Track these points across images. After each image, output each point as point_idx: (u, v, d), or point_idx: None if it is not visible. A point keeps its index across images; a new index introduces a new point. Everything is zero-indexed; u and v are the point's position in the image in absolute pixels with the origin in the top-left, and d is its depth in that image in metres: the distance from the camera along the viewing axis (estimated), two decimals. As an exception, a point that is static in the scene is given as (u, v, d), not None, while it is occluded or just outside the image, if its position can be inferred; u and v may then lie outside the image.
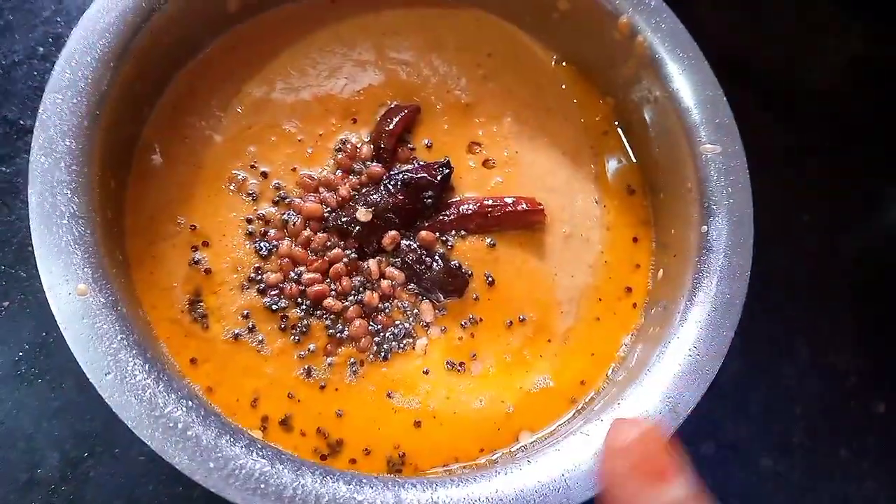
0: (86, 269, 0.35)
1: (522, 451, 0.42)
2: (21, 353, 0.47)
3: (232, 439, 0.34)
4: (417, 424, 0.43)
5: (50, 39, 0.54)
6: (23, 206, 0.50)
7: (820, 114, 0.65)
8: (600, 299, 0.47)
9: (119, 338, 0.34)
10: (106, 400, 0.33)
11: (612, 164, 0.51)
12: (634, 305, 0.47)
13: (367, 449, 0.42)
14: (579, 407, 0.44)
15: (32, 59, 0.54)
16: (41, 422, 0.46)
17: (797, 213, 0.62)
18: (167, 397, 0.34)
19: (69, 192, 0.36)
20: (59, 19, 0.55)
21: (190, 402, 0.34)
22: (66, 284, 0.35)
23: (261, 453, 0.34)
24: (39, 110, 0.37)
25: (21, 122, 0.52)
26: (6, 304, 0.48)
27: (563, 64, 0.52)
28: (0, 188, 0.51)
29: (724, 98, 0.46)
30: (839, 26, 0.69)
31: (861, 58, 0.68)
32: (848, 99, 0.67)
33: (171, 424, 0.34)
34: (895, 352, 0.59)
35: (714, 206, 0.43)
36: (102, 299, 0.35)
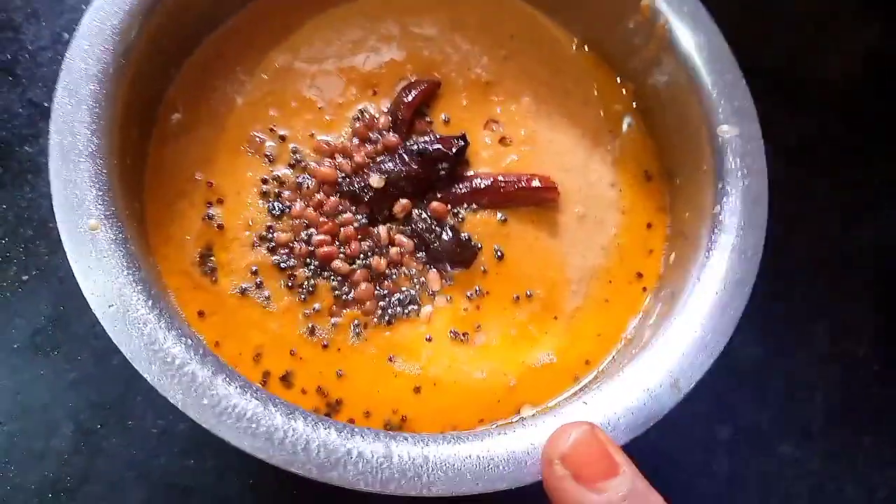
0: (99, 206, 0.36)
1: (521, 423, 0.42)
2: (38, 326, 0.49)
3: (227, 379, 0.34)
4: (417, 390, 0.42)
5: (75, 26, 0.55)
6: (45, 185, 0.52)
7: (833, 103, 0.64)
8: (610, 281, 0.47)
9: (125, 273, 0.35)
10: (107, 331, 0.34)
11: (629, 149, 0.50)
12: (644, 289, 0.47)
13: (366, 411, 0.42)
14: (582, 385, 0.44)
15: (57, 44, 0.56)
16: (56, 393, 0.47)
17: (815, 200, 0.61)
18: (167, 333, 0.34)
19: (89, 132, 0.37)
20: (84, 6, 0.56)
21: (189, 340, 0.35)
22: (79, 219, 0.36)
23: (255, 395, 0.34)
24: (66, 55, 0.39)
25: (45, 104, 0.54)
26: (25, 277, 0.50)
27: (584, 48, 0.53)
28: (23, 167, 0.52)
29: (744, 81, 0.45)
30: (853, 17, 0.68)
31: (876, 49, 0.67)
32: (862, 90, 0.66)
33: (168, 360, 0.34)
34: None
35: (728, 187, 0.43)
36: (112, 235, 0.36)
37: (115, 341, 0.34)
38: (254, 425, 0.33)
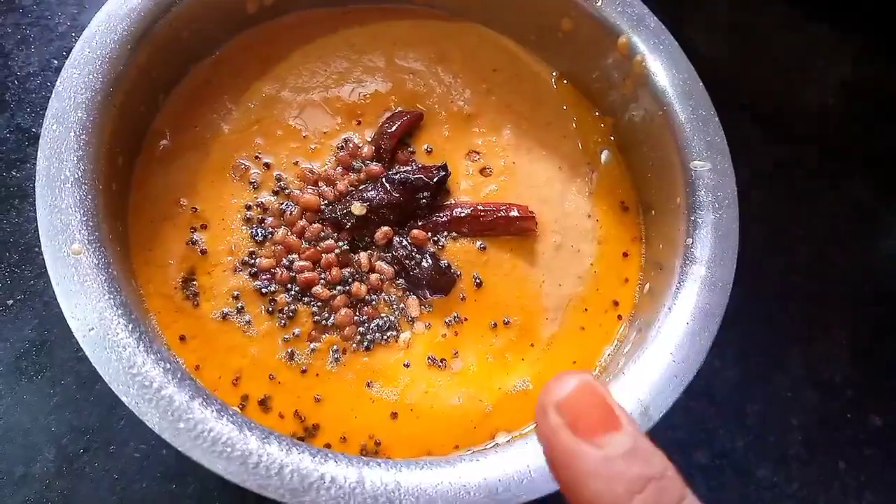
0: (82, 231, 0.37)
1: (496, 449, 0.42)
2: (22, 350, 0.49)
3: (204, 403, 0.35)
4: (394, 416, 0.43)
5: (64, 53, 0.58)
6: (31, 210, 0.52)
7: (811, 132, 0.66)
8: (586, 309, 0.48)
9: (106, 297, 0.36)
10: (87, 355, 0.35)
11: (607, 181, 0.52)
12: (619, 318, 0.48)
13: (343, 436, 0.42)
14: (556, 411, 0.44)
15: (47, 70, 0.57)
16: (39, 417, 0.48)
17: (791, 227, 0.62)
18: (146, 357, 0.35)
19: (76, 158, 0.38)
20: (74, 34, 0.58)
21: (168, 365, 0.36)
22: (63, 243, 0.36)
23: (231, 419, 0.35)
24: (56, 83, 0.40)
25: (33, 129, 0.55)
26: (10, 302, 0.50)
27: (565, 82, 0.54)
28: (10, 192, 0.53)
29: (717, 118, 0.47)
30: (829, 47, 0.70)
31: (850, 80, 0.69)
32: (838, 119, 0.68)
33: (146, 383, 0.35)
34: (890, 365, 0.59)
35: (700, 221, 0.44)
36: (95, 260, 0.36)
37: (94, 364, 0.34)
38: (228, 449, 0.34)
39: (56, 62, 0.57)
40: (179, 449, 0.34)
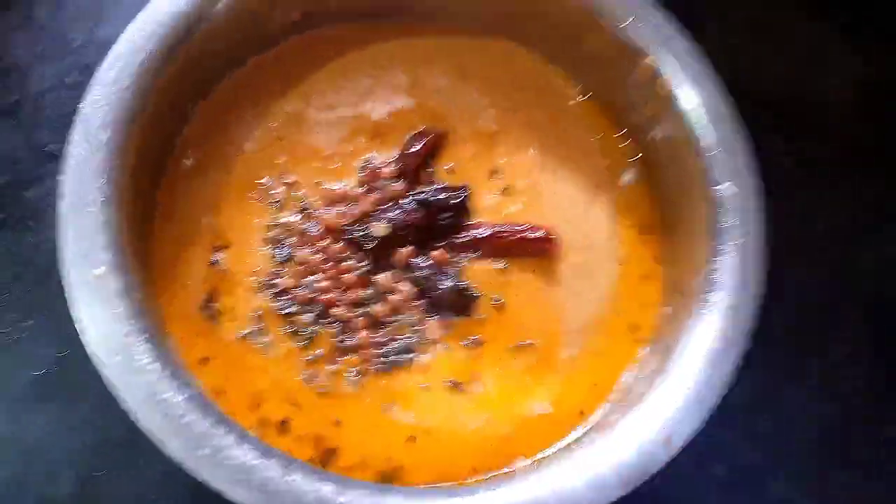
0: (107, 255, 0.37)
1: (515, 474, 0.42)
2: (42, 371, 0.49)
3: (226, 430, 0.35)
4: (412, 440, 0.43)
5: (80, 69, 0.57)
6: (48, 229, 0.51)
7: (828, 134, 0.65)
8: (606, 332, 0.48)
9: (130, 322, 0.36)
10: (111, 381, 0.35)
11: (629, 202, 0.51)
12: (639, 341, 0.47)
13: (361, 460, 0.42)
14: (576, 437, 0.44)
15: (62, 87, 0.56)
16: (58, 438, 0.47)
17: (808, 231, 0.61)
18: (170, 383, 0.35)
19: (102, 181, 0.38)
20: (89, 49, 0.58)
21: (190, 392, 0.36)
22: (86, 267, 0.37)
23: (252, 446, 0.35)
24: (81, 103, 0.40)
25: (49, 147, 0.54)
26: (29, 322, 0.50)
27: (589, 101, 0.54)
28: (26, 212, 0.53)
29: (744, 140, 0.46)
30: (845, 49, 0.69)
31: (867, 80, 0.68)
32: (853, 119, 0.66)
33: (168, 410, 0.35)
34: None
35: (723, 247, 0.44)
36: (118, 285, 0.37)
37: (117, 393, 0.35)
38: (249, 477, 0.34)
39: (71, 78, 0.57)
40: (200, 478, 0.34)
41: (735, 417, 0.54)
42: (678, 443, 0.39)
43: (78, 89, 0.56)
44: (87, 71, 0.57)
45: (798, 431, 0.55)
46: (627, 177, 0.52)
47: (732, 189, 0.45)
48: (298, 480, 0.35)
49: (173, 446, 0.34)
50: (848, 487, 0.55)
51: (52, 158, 0.54)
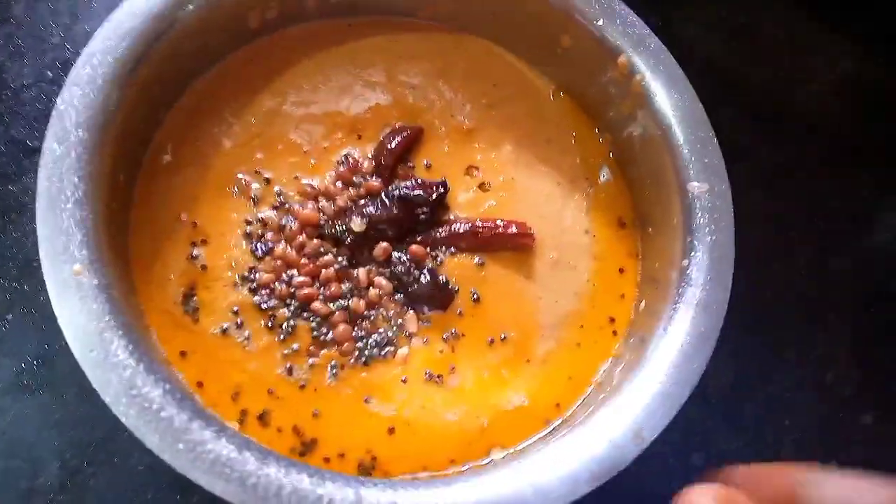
0: (83, 251, 0.37)
1: (492, 465, 0.43)
2: (23, 365, 0.49)
3: (203, 423, 0.35)
4: (391, 431, 0.44)
5: (58, 64, 0.57)
6: (28, 223, 0.52)
7: (809, 132, 0.66)
8: (582, 326, 0.48)
9: (107, 318, 0.36)
10: (88, 376, 0.35)
11: (604, 197, 0.52)
12: (615, 334, 0.48)
13: (340, 452, 0.43)
14: (552, 428, 0.45)
15: (41, 82, 0.56)
16: (42, 432, 0.47)
17: (788, 228, 0.62)
18: (146, 378, 0.36)
19: (77, 178, 0.38)
20: (67, 45, 0.57)
21: (168, 385, 0.36)
22: (63, 264, 0.37)
23: (230, 440, 0.36)
24: (57, 101, 0.40)
25: (28, 142, 0.54)
26: (9, 317, 0.50)
27: (565, 99, 0.54)
28: (6, 205, 0.52)
29: (715, 140, 0.47)
30: (828, 46, 0.70)
31: (849, 77, 0.69)
32: (837, 118, 0.67)
33: (146, 404, 0.35)
34: (886, 364, 0.59)
35: (696, 242, 0.45)
36: (96, 281, 0.37)
37: (94, 386, 0.35)
38: (227, 470, 0.35)
39: (50, 74, 0.56)
40: (179, 470, 0.34)
41: (715, 408, 0.56)
42: (649, 437, 0.40)
43: (57, 85, 0.57)
44: (66, 67, 0.57)
45: (779, 420, 0.56)
46: (603, 173, 0.53)
47: (704, 186, 0.46)
48: (275, 473, 0.35)
49: (152, 440, 0.34)
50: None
51: (33, 153, 0.54)
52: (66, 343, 0.36)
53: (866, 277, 0.63)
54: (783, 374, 0.58)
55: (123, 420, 0.35)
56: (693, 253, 0.44)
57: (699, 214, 0.45)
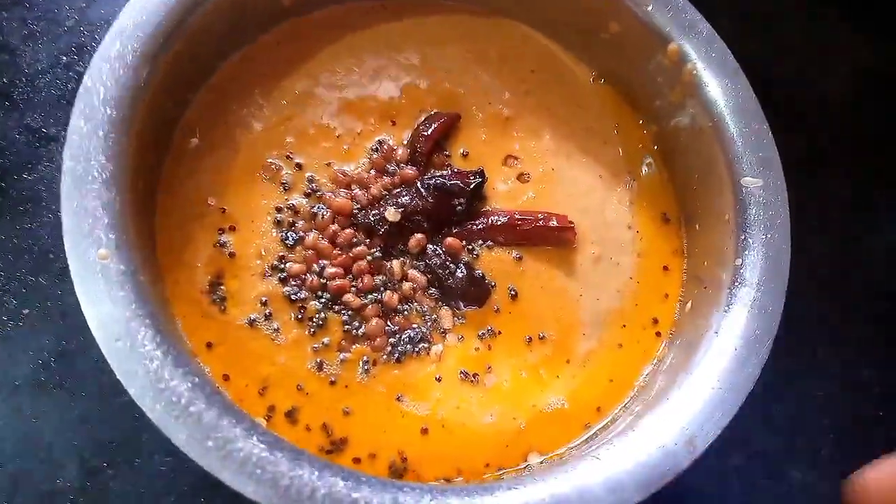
0: (110, 235, 0.35)
1: (528, 471, 0.41)
2: (41, 362, 0.47)
3: (234, 420, 0.34)
4: (424, 431, 0.42)
5: (73, 49, 0.55)
6: (45, 214, 0.50)
7: (831, 122, 0.64)
8: (624, 325, 0.46)
9: (133, 307, 0.34)
10: (112, 367, 0.33)
11: (648, 191, 0.50)
12: (659, 335, 0.46)
13: (371, 452, 0.41)
14: (592, 433, 0.43)
15: (56, 67, 0.54)
16: (61, 431, 0.46)
17: (819, 221, 0.60)
18: (174, 371, 0.34)
19: (104, 158, 0.37)
20: (82, 29, 0.56)
21: (196, 379, 0.34)
22: (88, 248, 0.35)
23: (261, 438, 0.34)
24: (85, 77, 0.38)
25: (44, 130, 0.52)
26: (26, 311, 0.48)
27: (607, 86, 0.52)
28: (22, 196, 0.51)
29: (770, 132, 0.45)
30: (848, 39, 0.68)
31: (870, 69, 0.67)
32: (858, 109, 0.66)
33: (174, 399, 0.33)
34: None
35: (751, 240, 0.42)
36: (122, 266, 0.35)
37: (119, 377, 0.33)
38: (258, 470, 0.33)
39: (65, 58, 0.54)
40: (208, 470, 0.32)
41: (751, 406, 0.53)
42: (701, 445, 0.37)
43: (72, 70, 0.55)
44: (81, 51, 0.55)
45: (814, 419, 0.54)
46: (647, 165, 0.50)
47: (759, 182, 0.43)
48: (309, 475, 0.33)
49: (180, 437, 0.32)
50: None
51: (49, 141, 0.52)
52: (84, 339, 0.34)
53: (893, 269, 0.60)
54: (819, 373, 0.56)
55: (150, 415, 0.33)
56: (747, 252, 0.42)
57: (753, 211, 0.43)
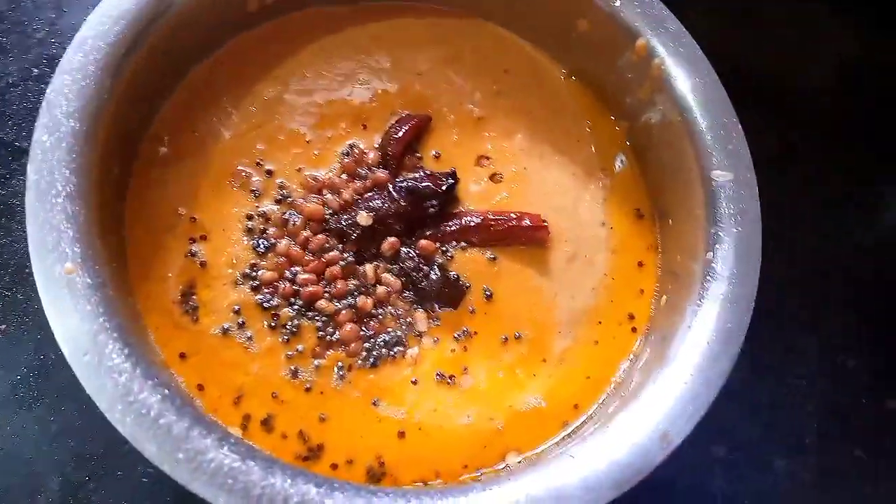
0: (75, 249, 0.35)
1: (507, 470, 0.41)
2: (19, 377, 0.47)
3: (204, 431, 0.33)
4: (401, 435, 0.42)
5: (45, 60, 0.55)
6: (19, 229, 0.50)
7: (812, 115, 0.65)
8: (600, 322, 0.46)
9: (101, 320, 0.34)
10: (81, 381, 0.33)
11: (621, 187, 0.50)
12: (634, 331, 0.46)
13: (349, 458, 0.41)
14: (570, 430, 0.43)
15: (27, 80, 0.54)
16: (41, 446, 0.45)
17: (798, 213, 0.60)
18: (143, 383, 0.34)
19: (68, 171, 0.36)
20: (53, 40, 0.55)
21: (166, 391, 0.34)
22: (54, 262, 0.35)
23: (232, 448, 0.33)
24: (47, 90, 0.38)
25: (17, 143, 0.52)
26: (3, 326, 0.48)
27: (579, 85, 0.52)
28: None
29: (739, 126, 0.45)
30: (831, 28, 0.69)
31: (852, 59, 0.68)
32: (840, 100, 0.66)
33: (143, 411, 0.33)
34: None
35: (721, 234, 0.42)
36: (89, 280, 0.35)
37: (89, 392, 0.33)
38: (230, 480, 0.32)
39: (36, 70, 0.54)
40: (178, 481, 0.32)
41: (733, 397, 0.53)
42: (675, 439, 0.37)
43: (44, 82, 0.54)
44: (52, 63, 0.54)
45: (798, 408, 0.55)
46: (619, 162, 0.50)
47: (728, 175, 0.43)
48: (281, 483, 0.33)
49: (150, 450, 0.32)
50: (848, 460, 0.54)
51: (22, 154, 0.52)
52: (62, 352, 0.33)
53: (875, 258, 0.61)
54: (801, 361, 0.57)
55: (119, 428, 0.33)
56: (717, 245, 0.42)
57: (723, 205, 0.43)
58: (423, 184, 0.46)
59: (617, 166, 0.50)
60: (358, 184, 0.46)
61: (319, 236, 0.44)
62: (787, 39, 0.68)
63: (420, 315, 0.44)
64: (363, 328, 0.43)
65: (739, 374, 0.54)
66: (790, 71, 0.66)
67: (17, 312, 0.48)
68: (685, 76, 0.46)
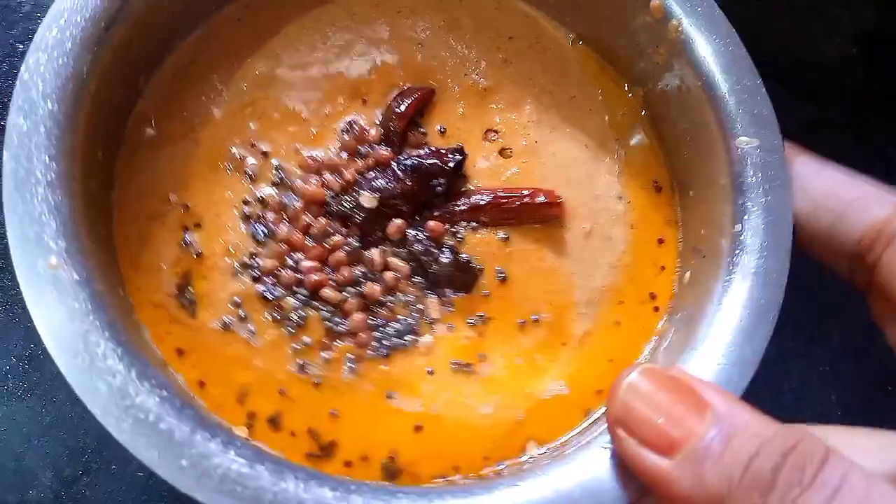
0: (59, 242, 0.32)
1: (530, 462, 0.39)
2: (8, 367, 0.45)
3: (208, 434, 0.31)
4: (418, 429, 0.39)
5: (30, 36, 0.51)
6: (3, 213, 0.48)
7: (830, 88, 0.63)
8: (621, 302, 0.44)
9: (90, 318, 0.31)
10: (72, 385, 0.30)
11: (638, 159, 0.47)
12: (657, 310, 0.44)
13: (363, 455, 0.38)
14: (594, 418, 0.41)
15: (13, 56, 0.52)
16: (32, 439, 0.44)
17: None
18: (139, 385, 0.31)
19: (47, 157, 0.33)
20: (39, 15, 0.53)
21: (165, 392, 0.31)
22: (37, 257, 0.32)
23: (239, 452, 0.31)
24: (21, 70, 0.35)
25: (2, 123, 0.49)
26: None
27: (589, 50, 0.49)
28: None
29: (763, 88, 0.42)
30: (839, 3, 0.66)
31: (872, 30, 0.66)
32: (860, 72, 0.64)
33: (141, 415, 0.30)
34: None
35: (749, 204, 0.40)
36: (76, 275, 0.32)
37: (81, 397, 0.30)
38: (238, 488, 0.30)
39: (22, 46, 0.52)
40: (184, 491, 0.30)
41: (756, 383, 0.52)
42: None
43: (30, 58, 0.52)
44: (39, 39, 0.52)
45: (822, 395, 0.53)
46: (635, 132, 0.48)
47: (755, 141, 0.41)
48: (294, 488, 0.31)
49: (150, 457, 0.30)
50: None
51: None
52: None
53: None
54: (825, 346, 0.55)
55: (116, 435, 0.30)
56: (746, 216, 0.40)
57: (750, 173, 0.40)
58: (429, 161, 0.43)
59: (632, 137, 0.48)
60: (360, 163, 0.43)
61: (321, 220, 0.42)
62: (805, 9, 0.66)
63: (432, 301, 0.42)
64: (372, 317, 0.41)
65: (763, 359, 0.53)
66: (808, 41, 0.64)
67: (4, 300, 0.46)
68: (704, 38, 0.43)
